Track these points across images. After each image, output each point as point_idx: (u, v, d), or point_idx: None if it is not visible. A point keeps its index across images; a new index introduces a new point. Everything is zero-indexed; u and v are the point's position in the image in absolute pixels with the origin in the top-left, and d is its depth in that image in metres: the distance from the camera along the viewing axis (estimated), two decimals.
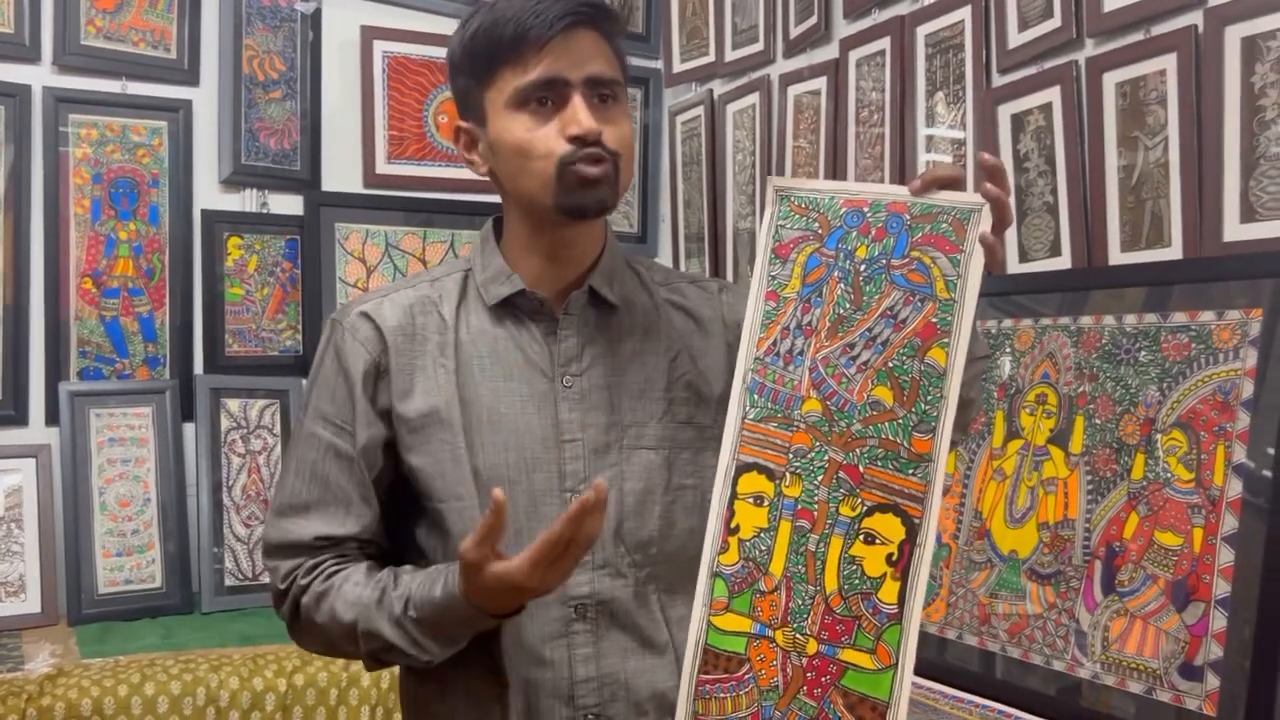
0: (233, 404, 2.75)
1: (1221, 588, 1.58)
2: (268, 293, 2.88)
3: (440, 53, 3.03)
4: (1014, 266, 2.15)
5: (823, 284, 1.12)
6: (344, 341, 1.29)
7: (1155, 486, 1.70)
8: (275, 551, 1.29)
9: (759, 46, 2.87)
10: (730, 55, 2.98)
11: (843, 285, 1.11)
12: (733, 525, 1.13)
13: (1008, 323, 2.01)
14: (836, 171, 2.61)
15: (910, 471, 1.05)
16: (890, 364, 1.08)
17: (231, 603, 2.63)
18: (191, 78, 2.81)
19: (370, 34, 3.00)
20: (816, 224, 1.13)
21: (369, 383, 1.28)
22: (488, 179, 1.32)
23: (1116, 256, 1.95)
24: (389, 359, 1.28)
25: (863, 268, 1.10)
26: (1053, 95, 2.05)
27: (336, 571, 1.26)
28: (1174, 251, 1.84)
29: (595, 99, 1.23)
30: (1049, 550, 1.83)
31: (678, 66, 3.19)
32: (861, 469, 1.07)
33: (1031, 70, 2.11)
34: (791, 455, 1.11)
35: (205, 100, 2.82)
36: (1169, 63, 1.84)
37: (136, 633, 2.44)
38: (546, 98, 1.21)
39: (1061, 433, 1.86)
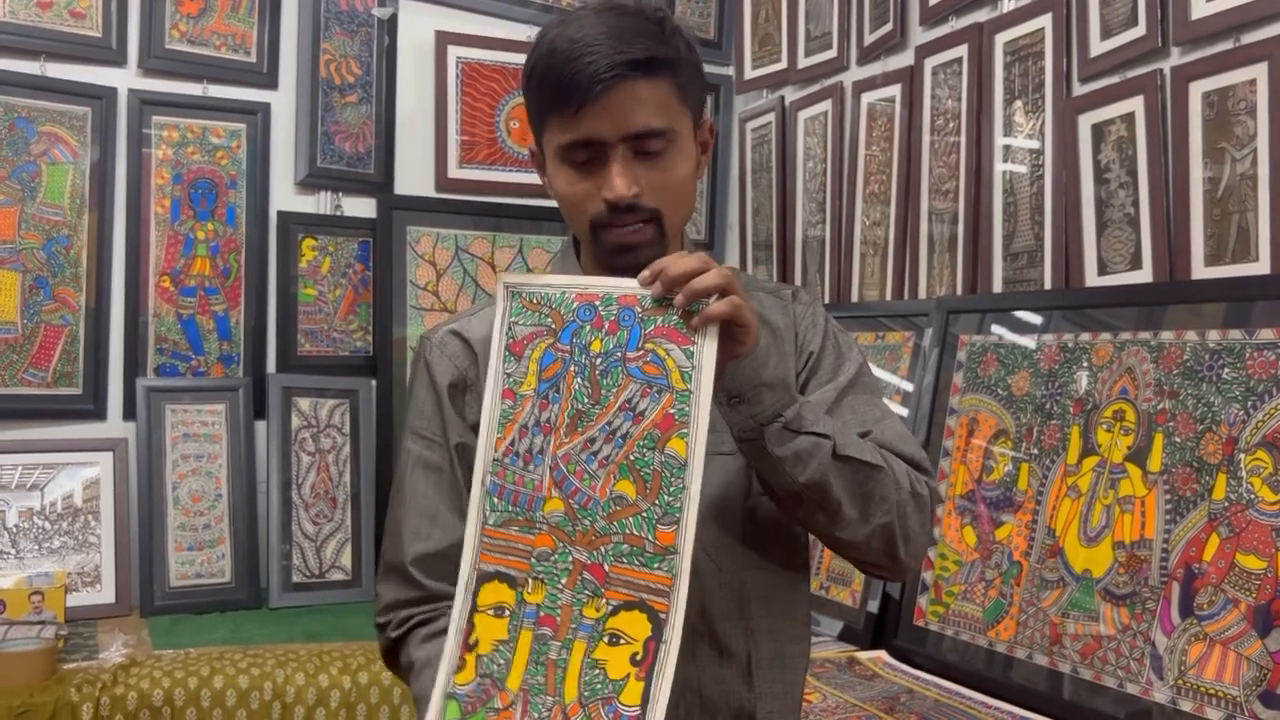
0: (304, 403, 2.79)
1: None
2: (340, 294, 2.92)
3: (513, 58, 3.06)
4: (1092, 279, 2.11)
5: (559, 379, 1.10)
6: (433, 356, 1.31)
7: (1238, 508, 1.65)
8: (385, 574, 1.28)
9: (832, 53, 2.85)
10: (803, 62, 2.96)
11: (579, 380, 1.09)
12: (471, 641, 1.07)
13: (1085, 337, 1.97)
14: (910, 179, 2.58)
15: (656, 565, 1.03)
16: (631, 457, 1.06)
17: (298, 599, 2.68)
18: (270, 81, 2.86)
19: (444, 39, 3.03)
20: (550, 319, 1.12)
21: (457, 395, 1.28)
22: None
23: (1200, 270, 1.90)
24: (476, 373, 1.28)
25: (598, 361, 1.09)
26: (1136, 105, 2.01)
27: (423, 639, 1.23)
28: (1261, 266, 1.79)
29: (642, 152, 1.21)
30: (1124, 570, 1.79)
31: (749, 73, 3.18)
32: (607, 567, 1.04)
33: (1114, 79, 2.07)
34: (534, 559, 1.06)
35: (283, 103, 2.88)
36: (1259, 72, 1.79)
37: (206, 626, 2.48)
38: (587, 156, 1.21)
39: (1140, 450, 1.81)
